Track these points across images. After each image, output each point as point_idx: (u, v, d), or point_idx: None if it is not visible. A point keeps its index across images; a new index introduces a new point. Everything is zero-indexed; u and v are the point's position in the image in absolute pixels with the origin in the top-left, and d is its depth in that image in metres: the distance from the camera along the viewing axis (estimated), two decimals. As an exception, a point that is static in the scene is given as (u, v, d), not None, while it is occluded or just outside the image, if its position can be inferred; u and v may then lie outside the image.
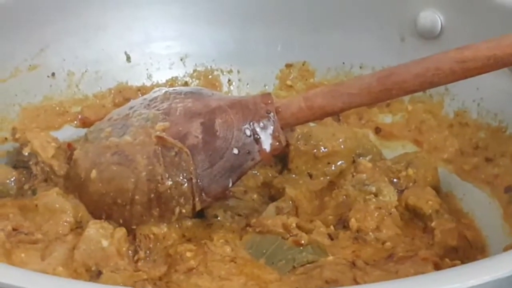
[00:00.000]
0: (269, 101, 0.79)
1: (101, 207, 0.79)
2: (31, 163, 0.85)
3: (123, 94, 0.98)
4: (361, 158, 0.87)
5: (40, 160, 0.84)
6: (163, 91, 0.85)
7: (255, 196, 0.85)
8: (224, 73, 1.02)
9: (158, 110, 0.81)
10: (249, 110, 0.79)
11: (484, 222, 0.83)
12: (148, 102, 0.84)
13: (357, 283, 0.69)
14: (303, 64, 1.01)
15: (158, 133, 0.78)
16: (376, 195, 0.81)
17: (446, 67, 0.73)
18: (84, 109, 0.96)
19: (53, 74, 0.96)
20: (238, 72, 1.02)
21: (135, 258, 0.75)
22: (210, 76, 1.02)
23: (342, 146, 0.87)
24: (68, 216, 0.77)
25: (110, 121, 0.84)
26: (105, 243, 0.74)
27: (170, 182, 0.77)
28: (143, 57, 1.01)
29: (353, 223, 0.78)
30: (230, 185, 0.78)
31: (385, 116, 0.97)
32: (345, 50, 0.98)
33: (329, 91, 0.78)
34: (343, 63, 0.99)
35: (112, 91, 0.98)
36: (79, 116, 0.96)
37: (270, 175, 0.88)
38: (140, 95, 0.98)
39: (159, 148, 0.77)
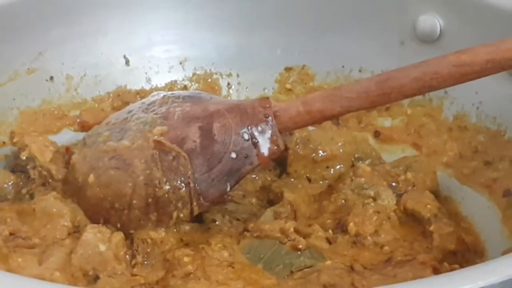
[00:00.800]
0: (267, 105, 0.79)
1: (98, 212, 0.79)
2: (29, 167, 0.85)
3: (122, 98, 0.98)
4: (360, 162, 0.87)
5: (38, 164, 0.84)
6: (162, 95, 0.85)
7: (253, 200, 0.85)
8: (224, 76, 1.02)
9: (156, 114, 0.81)
10: (247, 114, 0.78)
11: (482, 226, 0.82)
12: (146, 106, 0.83)
13: (355, 287, 0.69)
14: (302, 68, 1.01)
15: (156, 137, 0.78)
16: (374, 199, 0.80)
17: (444, 71, 0.73)
18: (82, 113, 0.96)
19: (51, 78, 0.95)
20: (238, 75, 1.02)
21: (133, 262, 0.75)
22: (209, 80, 1.02)
23: (341, 150, 0.87)
24: (66, 220, 0.77)
25: (108, 125, 0.84)
26: (102, 247, 0.73)
27: (168, 187, 0.76)
28: (142, 60, 1.00)
29: (351, 227, 0.77)
30: (228, 189, 0.77)
31: (384, 119, 0.96)
32: (345, 53, 0.98)
33: (327, 95, 0.78)
34: (343, 66, 0.99)
35: (111, 95, 0.98)
36: (78, 120, 0.96)
37: (268, 179, 0.88)
38: (139, 98, 0.97)
39: (157, 153, 0.77)
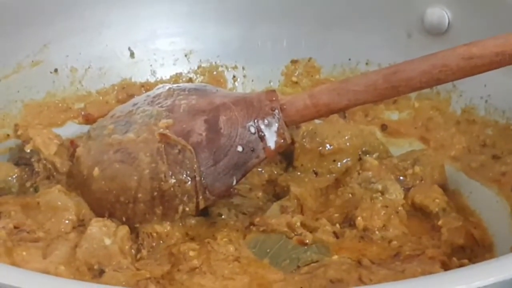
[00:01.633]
0: (274, 98, 0.78)
1: (103, 205, 0.78)
2: (33, 160, 0.85)
3: (127, 91, 0.98)
4: (367, 155, 0.87)
5: (43, 157, 0.84)
6: (167, 87, 0.84)
7: (259, 194, 0.84)
8: (229, 69, 1.02)
9: (161, 107, 0.81)
10: (253, 107, 0.78)
11: (491, 221, 0.82)
12: (151, 98, 0.83)
13: (362, 282, 0.68)
14: (308, 61, 1.00)
15: (161, 130, 0.77)
16: (382, 193, 0.80)
17: (453, 64, 0.72)
18: (87, 106, 0.96)
19: (56, 70, 0.95)
20: (243, 68, 1.02)
21: (138, 256, 0.75)
22: (214, 73, 1.01)
23: (347, 144, 0.87)
24: (70, 214, 0.77)
25: (113, 118, 0.83)
26: (107, 241, 0.73)
27: (173, 180, 0.76)
28: (147, 53, 1.00)
29: (359, 221, 0.77)
30: (234, 183, 0.77)
31: (392, 113, 0.96)
32: (351, 46, 0.98)
33: (334, 88, 0.78)
34: (349, 59, 0.98)
35: (116, 88, 0.98)
36: (82, 113, 0.95)
37: (275, 172, 0.87)
38: (144, 91, 0.97)
39: (163, 146, 0.77)
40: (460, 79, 0.75)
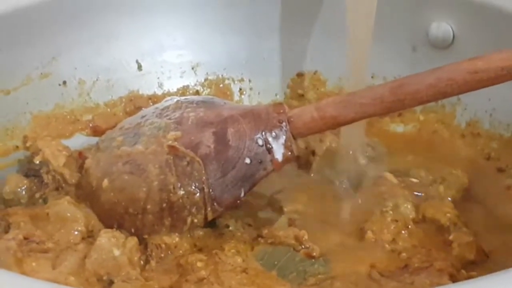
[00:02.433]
0: (282, 111, 0.79)
1: (112, 216, 0.79)
2: (42, 171, 0.85)
3: (134, 103, 0.98)
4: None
5: (52, 168, 0.84)
6: (175, 100, 0.85)
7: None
8: (235, 82, 1.02)
9: (170, 119, 0.81)
10: (261, 120, 0.78)
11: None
12: (160, 111, 0.83)
13: (371, 295, 0.69)
14: (314, 73, 1.01)
15: (170, 142, 0.78)
16: (393, 207, 0.80)
17: (459, 78, 0.72)
18: (95, 118, 0.96)
19: (64, 82, 0.95)
20: (250, 81, 1.02)
21: (146, 267, 0.75)
22: (221, 85, 1.02)
23: None
24: (80, 225, 0.77)
25: (121, 130, 0.84)
26: (116, 252, 0.73)
27: (182, 192, 0.76)
28: (154, 65, 1.00)
29: (369, 235, 0.77)
30: (242, 194, 0.77)
31: (397, 125, 0.96)
32: (357, 59, 0.98)
33: (341, 101, 0.78)
34: (355, 72, 0.98)
35: (123, 100, 0.98)
36: (90, 125, 0.96)
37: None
38: (151, 103, 0.98)
39: (171, 158, 0.77)
40: (465, 93, 0.75)
